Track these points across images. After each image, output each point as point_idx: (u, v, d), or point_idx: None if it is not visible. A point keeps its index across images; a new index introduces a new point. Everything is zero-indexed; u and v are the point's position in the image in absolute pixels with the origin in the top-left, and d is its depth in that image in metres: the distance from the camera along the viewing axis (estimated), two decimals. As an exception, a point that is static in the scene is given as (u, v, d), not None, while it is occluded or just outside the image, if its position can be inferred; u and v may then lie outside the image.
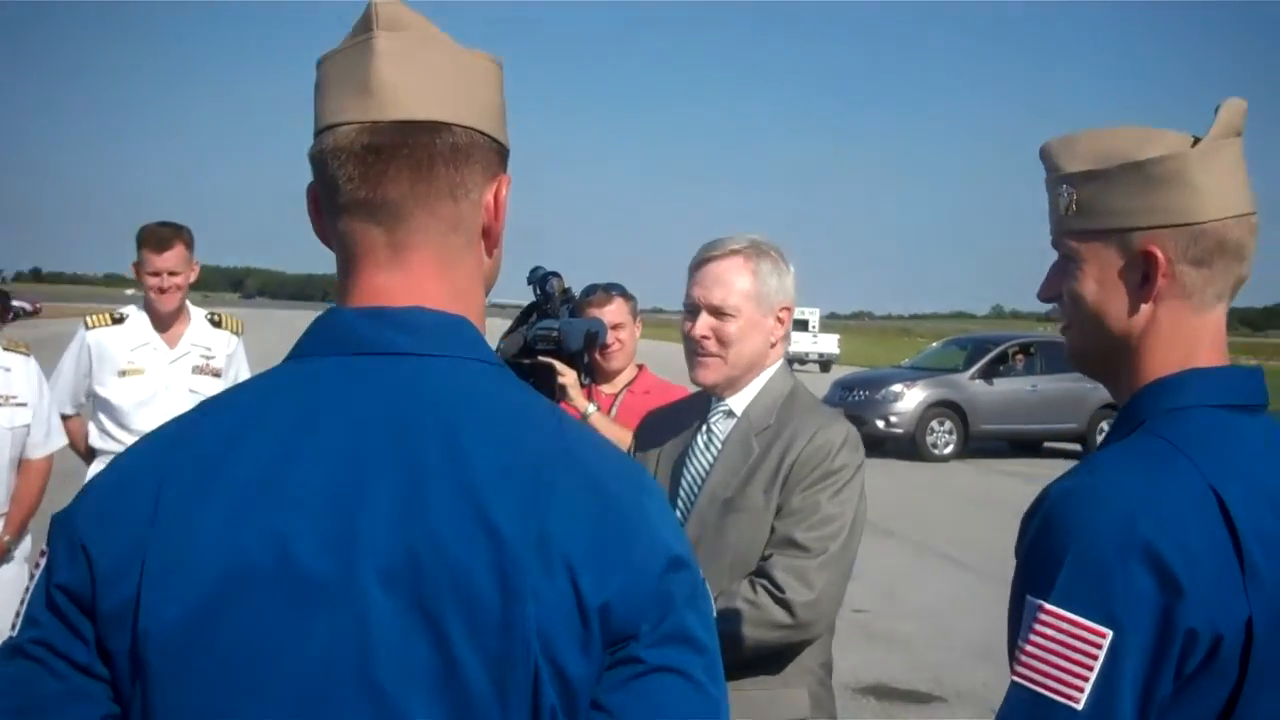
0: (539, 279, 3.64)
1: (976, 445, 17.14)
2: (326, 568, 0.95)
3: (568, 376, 3.35)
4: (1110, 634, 1.17)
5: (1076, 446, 17.48)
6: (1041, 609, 1.21)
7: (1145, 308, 1.36)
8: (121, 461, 1.06)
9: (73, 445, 4.57)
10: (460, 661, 0.94)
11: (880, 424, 16.16)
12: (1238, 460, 1.28)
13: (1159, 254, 1.33)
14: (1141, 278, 1.35)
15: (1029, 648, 1.21)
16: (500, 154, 1.14)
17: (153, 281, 4.38)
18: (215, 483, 0.98)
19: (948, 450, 16.71)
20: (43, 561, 1.02)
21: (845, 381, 17.88)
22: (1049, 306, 1.49)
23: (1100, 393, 17.01)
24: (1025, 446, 17.92)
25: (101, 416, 4.49)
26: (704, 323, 2.42)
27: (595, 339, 3.64)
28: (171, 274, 4.38)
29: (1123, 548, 1.19)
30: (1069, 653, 1.18)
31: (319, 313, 1.12)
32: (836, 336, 46.92)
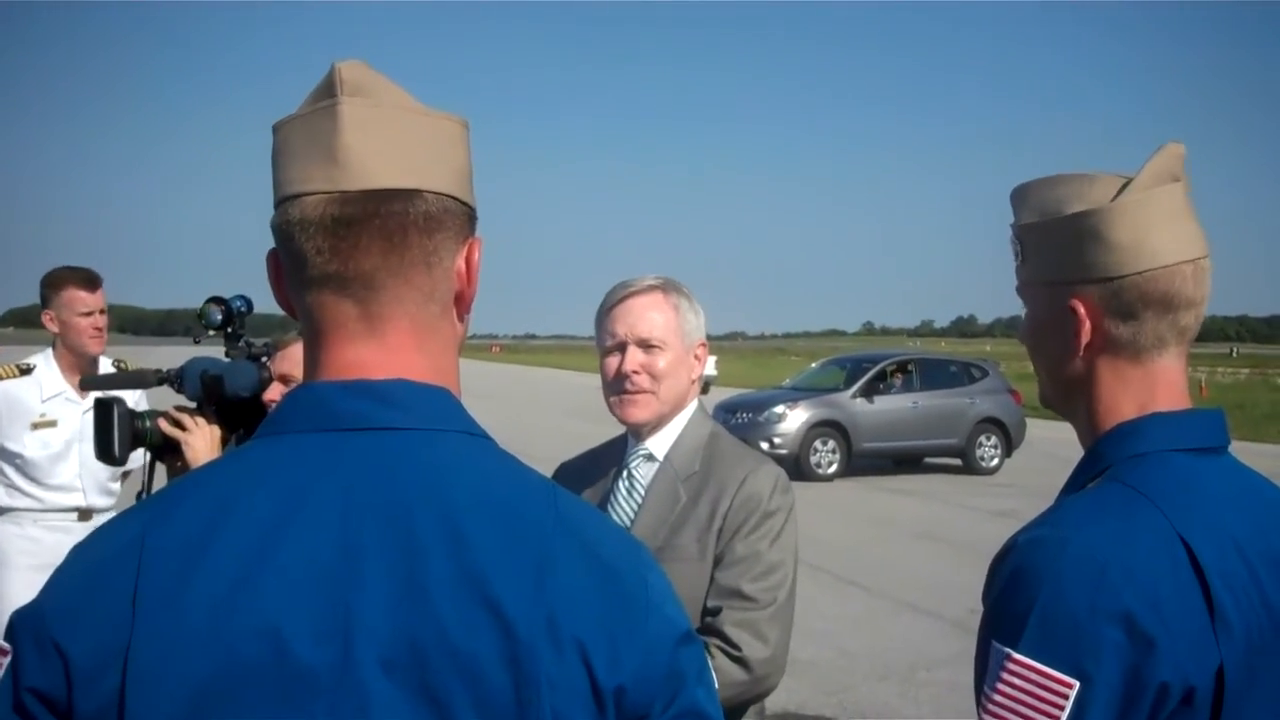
0: (208, 310, 2.61)
1: (860, 463, 17.39)
2: (323, 658, 0.91)
3: (196, 433, 2.47)
4: (1077, 685, 1.18)
5: (957, 461, 17.91)
6: (1009, 658, 1.21)
7: (1079, 359, 1.38)
8: (89, 553, 0.99)
9: None
10: None
11: (764, 445, 16.24)
12: (1204, 506, 1.29)
13: (1079, 309, 1.35)
14: (1071, 331, 1.37)
15: (996, 696, 1.21)
16: (470, 217, 1.10)
17: (85, 322, 4.19)
18: (197, 571, 0.93)
19: (832, 469, 16.92)
20: (4, 660, 0.94)
21: (728, 404, 17.98)
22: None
23: (978, 407, 17.53)
24: (907, 462, 18.26)
25: (9, 472, 4.24)
26: (635, 357, 2.36)
27: (217, 385, 2.52)
28: (103, 313, 4.21)
29: (1093, 601, 1.20)
30: (1035, 702, 1.19)
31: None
32: (714, 358, 47.37)
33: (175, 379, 2.56)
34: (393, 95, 1.05)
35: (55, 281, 4.21)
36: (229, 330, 2.67)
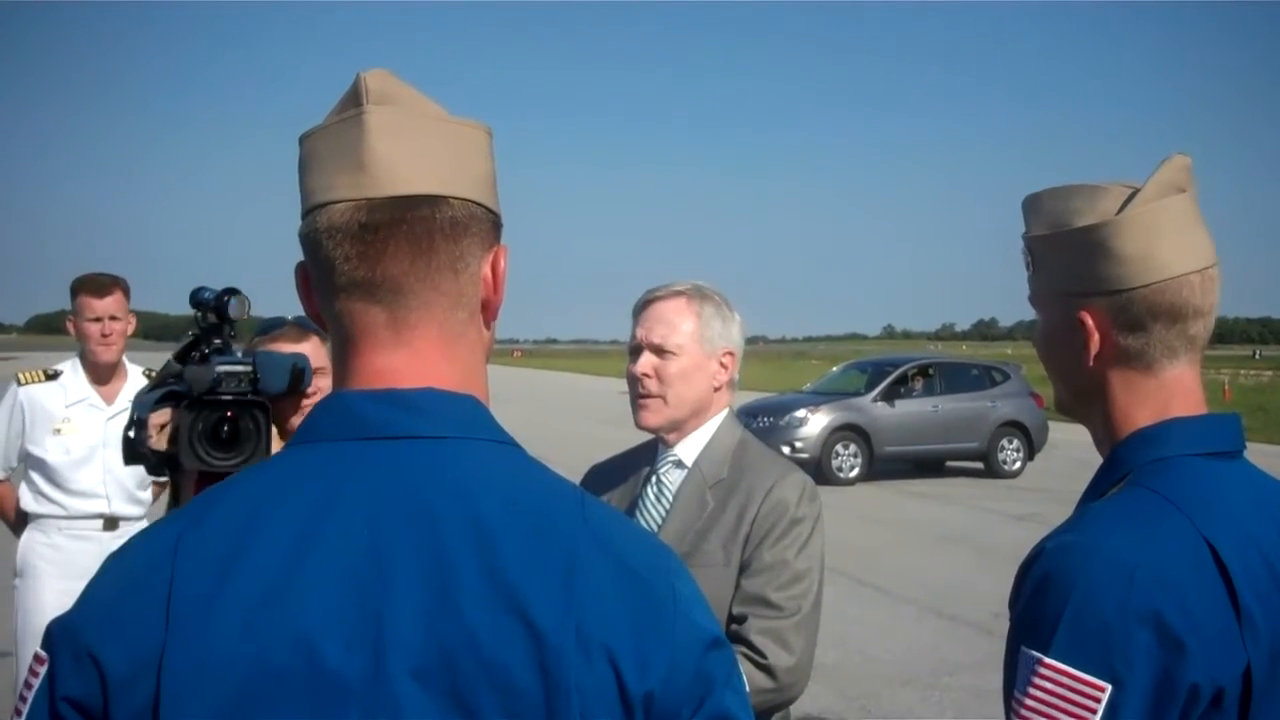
0: (209, 300, 2.57)
1: (881, 467, 17.37)
2: (355, 667, 0.92)
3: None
4: (1109, 688, 1.18)
5: (978, 465, 17.85)
6: (1040, 662, 1.22)
7: (1090, 369, 1.39)
8: (123, 562, 1.00)
9: (0, 513, 4.38)
10: None
11: (786, 449, 16.21)
12: (1226, 509, 1.30)
13: (1088, 321, 1.36)
14: (1081, 342, 1.38)
15: (1028, 700, 1.22)
16: (495, 224, 1.11)
17: (93, 328, 4.23)
18: (230, 579, 0.94)
19: (853, 473, 16.90)
20: (41, 669, 0.95)
21: (750, 408, 17.93)
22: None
23: (999, 411, 17.46)
24: (928, 466, 18.23)
25: (36, 477, 4.29)
26: (646, 361, 2.38)
27: (302, 379, 2.62)
28: (113, 319, 4.24)
29: (1122, 606, 1.21)
30: (1067, 705, 1.20)
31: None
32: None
33: (246, 373, 2.37)
34: (418, 103, 1.06)
35: (73, 288, 4.29)
36: (230, 327, 2.54)
